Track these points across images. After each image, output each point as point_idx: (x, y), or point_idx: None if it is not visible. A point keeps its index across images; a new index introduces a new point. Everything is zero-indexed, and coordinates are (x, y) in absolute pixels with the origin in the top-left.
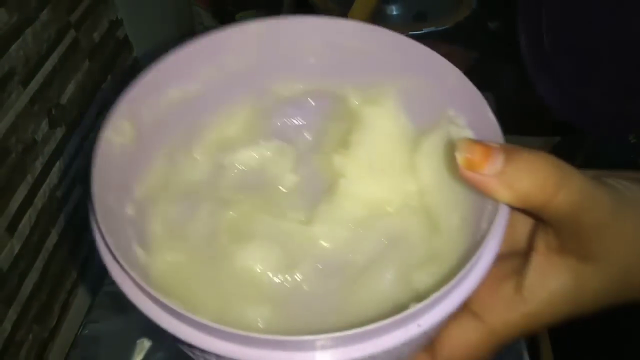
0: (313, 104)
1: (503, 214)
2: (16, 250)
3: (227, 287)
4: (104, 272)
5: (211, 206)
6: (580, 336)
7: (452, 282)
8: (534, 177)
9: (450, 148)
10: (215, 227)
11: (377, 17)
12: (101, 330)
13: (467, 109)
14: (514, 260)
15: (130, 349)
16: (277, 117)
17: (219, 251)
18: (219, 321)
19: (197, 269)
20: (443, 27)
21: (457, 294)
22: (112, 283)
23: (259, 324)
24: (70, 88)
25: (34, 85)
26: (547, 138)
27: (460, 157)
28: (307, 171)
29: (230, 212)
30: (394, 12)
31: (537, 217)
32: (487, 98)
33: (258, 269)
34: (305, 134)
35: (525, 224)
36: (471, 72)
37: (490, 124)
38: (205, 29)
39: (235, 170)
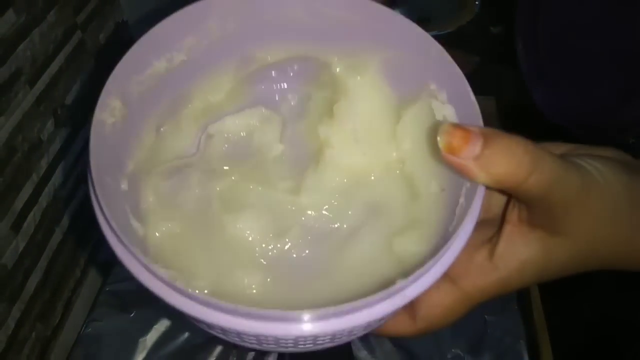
0: (296, 68)
1: (480, 194)
2: (21, 248)
3: (221, 255)
4: (107, 271)
5: (201, 177)
6: (580, 338)
7: (435, 259)
8: (508, 161)
9: (433, 130)
10: (206, 197)
11: None
12: (103, 328)
13: (447, 84)
14: (489, 229)
15: (132, 347)
16: (261, 83)
17: (211, 221)
18: (215, 289)
19: (192, 238)
20: (445, 31)
21: (438, 267)
22: (115, 282)
23: (253, 289)
24: (76, 88)
25: (40, 85)
26: (547, 143)
27: (441, 141)
28: (293, 139)
29: (221, 182)
30: None
31: (513, 195)
32: (489, 101)
33: (250, 237)
34: (289, 99)
35: (500, 196)
36: (473, 76)
37: (469, 101)
38: None
39: (223, 140)
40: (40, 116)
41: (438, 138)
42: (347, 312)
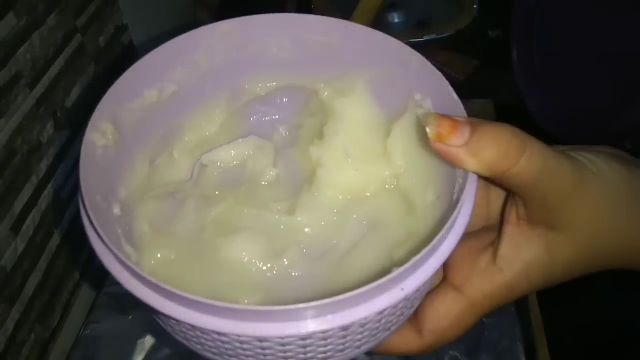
0: (286, 100)
1: (472, 181)
2: (20, 250)
3: (217, 279)
4: (105, 273)
5: (195, 203)
6: (577, 341)
7: (431, 246)
8: (497, 145)
9: (421, 124)
10: (201, 223)
11: (379, 25)
12: (102, 330)
13: (431, 91)
14: (490, 235)
15: (131, 349)
16: (252, 114)
17: (206, 246)
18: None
19: (187, 264)
20: (444, 35)
21: (436, 258)
22: (114, 284)
23: None
24: (76, 92)
25: (40, 88)
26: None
27: (430, 131)
28: (286, 164)
29: (215, 208)
30: (396, 20)
31: (506, 187)
32: (487, 105)
33: (246, 259)
34: (281, 129)
35: (499, 200)
36: (472, 80)
37: (454, 103)
38: None
39: (217, 169)
40: (40, 119)
41: (427, 129)
42: (344, 306)
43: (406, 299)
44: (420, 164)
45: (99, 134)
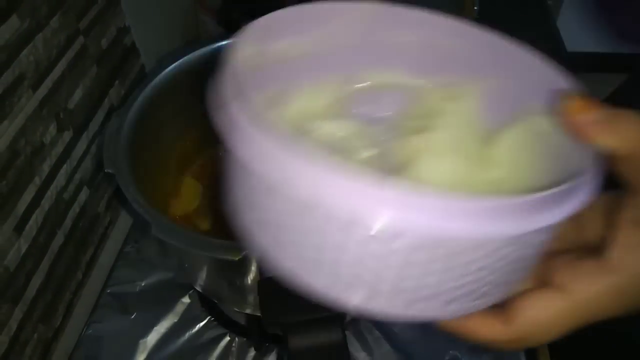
0: (393, 98)
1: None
2: (23, 251)
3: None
4: (108, 273)
5: None
6: (577, 341)
7: (577, 181)
8: (632, 123)
9: (533, 150)
10: None
11: None
12: (104, 330)
13: (550, 99)
14: (588, 252)
15: (132, 348)
16: (359, 105)
17: None
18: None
19: None
20: None
21: (578, 197)
22: (116, 284)
23: None
24: (78, 93)
25: (43, 89)
26: None
27: (565, 106)
28: (383, 150)
29: None
30: None
31: (628, 174)
32: None
33: None
34: (382, 125)
35: (594, 222)
36: None
37: None
38: (210, 37)
39: (313, 139)
40: (43, 120)
41: (563, 104)
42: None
43: (538, 240)
44: (524, 174)
45: (244, 52)
